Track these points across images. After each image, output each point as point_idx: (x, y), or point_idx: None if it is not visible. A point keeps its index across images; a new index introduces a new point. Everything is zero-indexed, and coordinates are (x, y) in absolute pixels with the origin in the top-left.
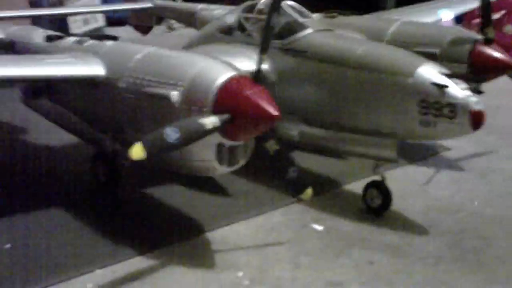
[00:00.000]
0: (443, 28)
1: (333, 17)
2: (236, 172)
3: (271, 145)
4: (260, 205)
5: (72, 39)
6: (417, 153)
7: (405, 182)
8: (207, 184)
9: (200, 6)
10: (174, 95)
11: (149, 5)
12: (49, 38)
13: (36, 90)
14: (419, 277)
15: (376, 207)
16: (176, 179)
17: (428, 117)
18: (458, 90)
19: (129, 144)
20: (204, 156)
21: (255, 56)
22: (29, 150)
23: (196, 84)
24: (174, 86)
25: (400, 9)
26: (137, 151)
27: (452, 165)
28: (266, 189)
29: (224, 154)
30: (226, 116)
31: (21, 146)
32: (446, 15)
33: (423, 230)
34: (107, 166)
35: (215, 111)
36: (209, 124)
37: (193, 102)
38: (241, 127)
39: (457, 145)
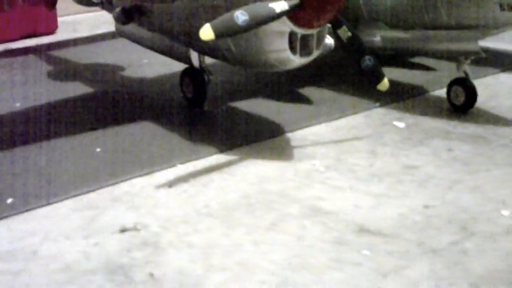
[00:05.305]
0: None
1: None
2: (318, 83)
3: (344, 32)
4: (342, 110)
5: None
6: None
7: (495, 86)
8: (289, 95)
9: None
10: None
11: None
12: None
13: (127, 14)
14: (498, 158)
15: (461, 104)
16: (259, 92)
17: None
18: None
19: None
20: (277, 46)
21: None
22: (124, 82)
23: None
24: None
25: None
26: (206, 32)
27: None
28: (348, 97)
29: (297, 44)
30: (295, 1)
31: (118, 79)
32: None
33: (510, 122)
34: (194, 81)
35: None
36: (278, 8)
37: None
38: (310, 11)
39: None
